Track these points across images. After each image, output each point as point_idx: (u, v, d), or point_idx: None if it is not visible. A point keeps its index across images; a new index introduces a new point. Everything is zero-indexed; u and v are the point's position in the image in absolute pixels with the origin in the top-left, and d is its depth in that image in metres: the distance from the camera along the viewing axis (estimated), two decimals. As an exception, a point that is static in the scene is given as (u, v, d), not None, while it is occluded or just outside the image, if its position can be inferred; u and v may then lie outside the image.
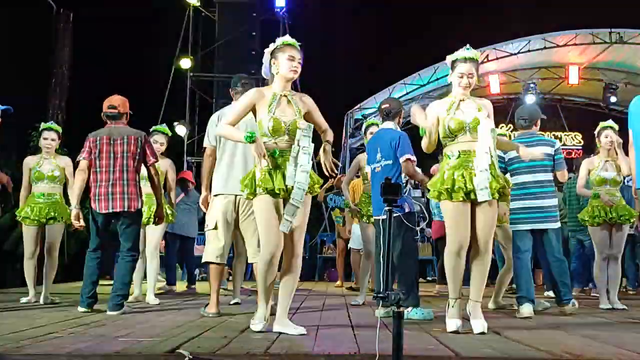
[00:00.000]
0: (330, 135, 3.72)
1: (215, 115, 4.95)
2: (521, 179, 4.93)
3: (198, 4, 14.29)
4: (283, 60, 3.59)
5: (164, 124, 6.25)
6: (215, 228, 4.65)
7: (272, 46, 3.65)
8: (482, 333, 3.55)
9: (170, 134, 6.13)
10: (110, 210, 4.70)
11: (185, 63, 13.99)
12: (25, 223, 5.64)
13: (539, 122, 5.12)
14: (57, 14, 11.20)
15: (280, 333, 3.45)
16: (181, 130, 13.37)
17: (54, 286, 5.78)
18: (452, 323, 3.66)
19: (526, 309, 4.69)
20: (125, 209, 4.71)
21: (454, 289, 3.76)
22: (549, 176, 4.93)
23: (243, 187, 3.56)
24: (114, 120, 4.85)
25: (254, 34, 14.26)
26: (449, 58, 3.90)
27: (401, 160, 4.60)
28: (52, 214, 5.62)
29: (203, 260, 4.79)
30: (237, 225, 4.70)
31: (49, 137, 5.76)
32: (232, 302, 5.40)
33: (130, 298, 5.46)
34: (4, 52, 13.31)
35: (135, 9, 15.42)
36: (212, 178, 4.75)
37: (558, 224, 4.93)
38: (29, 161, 5.76)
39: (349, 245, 8.58)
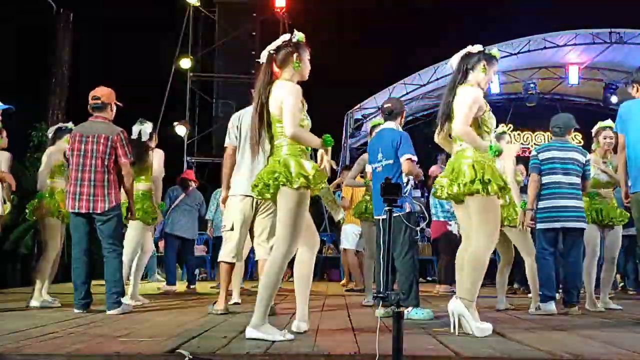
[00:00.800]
0: None
1: (236, 115, 4.94)
2: (554, 178, 5.07)
3: (198, 4, 14.26)
4: (307, 61, 3.45)
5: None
6: (233, 229, 4.66)
7: (287, 36, 3.42)
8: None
9: None
10: (76, 210, 4.70)
11: (185, 63, 13.97)
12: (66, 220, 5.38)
13: (572, 131, 5.28)
14: (57, 14, 11.17)
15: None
16: (181, 130, 13.35)
17: (54, 286, 5.77)
18: (488, 325, 3.55)
19: (550, 307, 4.86)
20: (90, 211, 4.69)
21: (476, 291, 3.61)
22: (578, 180, 5.10)
23: (316, 180, 3.25)
24: (98, 111, 4.84)
25: (254, 34, 14.22)
26: (479, 47, 3.74)
27: (402, 159, 4.60)
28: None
29: (219, 259, 4.82)
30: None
31: None
32: (231, 302, 5.40)
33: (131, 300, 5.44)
34: (3, 52, 13.30)
35: (135, 9, 15.39)
36: (232, 178, 4.73)
37: (585, 224, 5.08)
38: (56, 152, 5.48)
39: (340, 246, 8.51)
